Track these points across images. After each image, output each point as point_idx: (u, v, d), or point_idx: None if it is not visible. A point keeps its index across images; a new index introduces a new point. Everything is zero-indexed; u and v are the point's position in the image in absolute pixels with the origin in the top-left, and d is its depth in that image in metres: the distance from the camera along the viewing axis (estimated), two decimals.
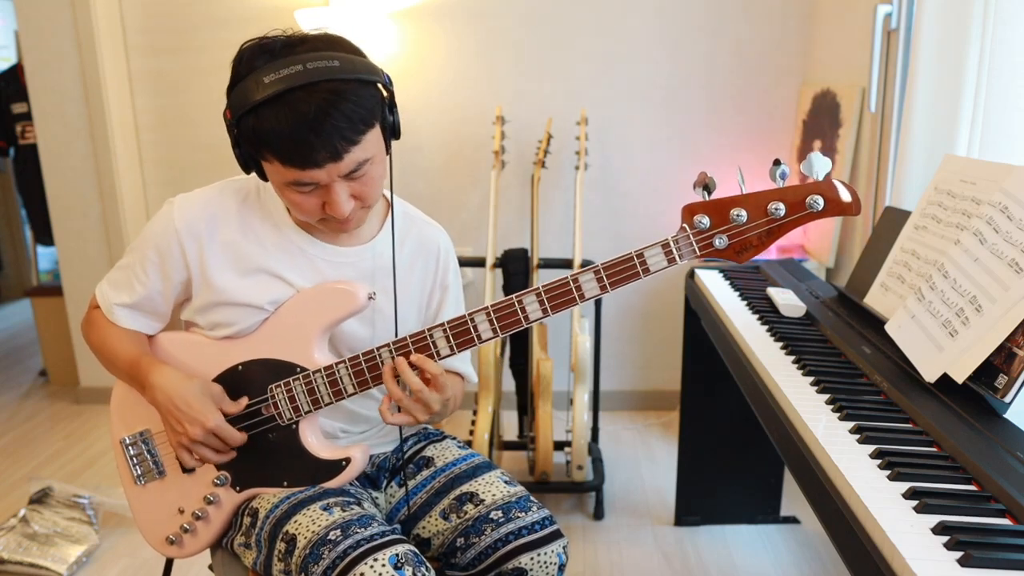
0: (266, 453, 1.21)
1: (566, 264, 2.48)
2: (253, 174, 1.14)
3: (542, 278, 2.47)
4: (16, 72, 3.56)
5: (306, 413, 1.18)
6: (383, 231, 1.25)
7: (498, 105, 2.76)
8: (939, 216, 1.39)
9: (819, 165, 1.03)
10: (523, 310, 1.09)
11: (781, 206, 1.04)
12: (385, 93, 1.08)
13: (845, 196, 1.03)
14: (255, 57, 1.03)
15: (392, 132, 1.11)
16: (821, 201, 1.03)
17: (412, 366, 1.12)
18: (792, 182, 1.04)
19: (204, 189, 1.21)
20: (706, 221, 1.06)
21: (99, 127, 2.89)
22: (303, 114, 0.99)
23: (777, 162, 1.05)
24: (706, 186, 1.06)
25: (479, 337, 1.11)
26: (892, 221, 1.58)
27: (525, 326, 1.10)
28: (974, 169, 1.36)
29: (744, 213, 1.05)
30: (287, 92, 0.99)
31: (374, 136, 1.06)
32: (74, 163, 2.96)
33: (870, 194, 2.25)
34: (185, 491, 1.24)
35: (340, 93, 1.00)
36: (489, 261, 2.43)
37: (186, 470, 1.24)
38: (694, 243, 1.06)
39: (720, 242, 1.06)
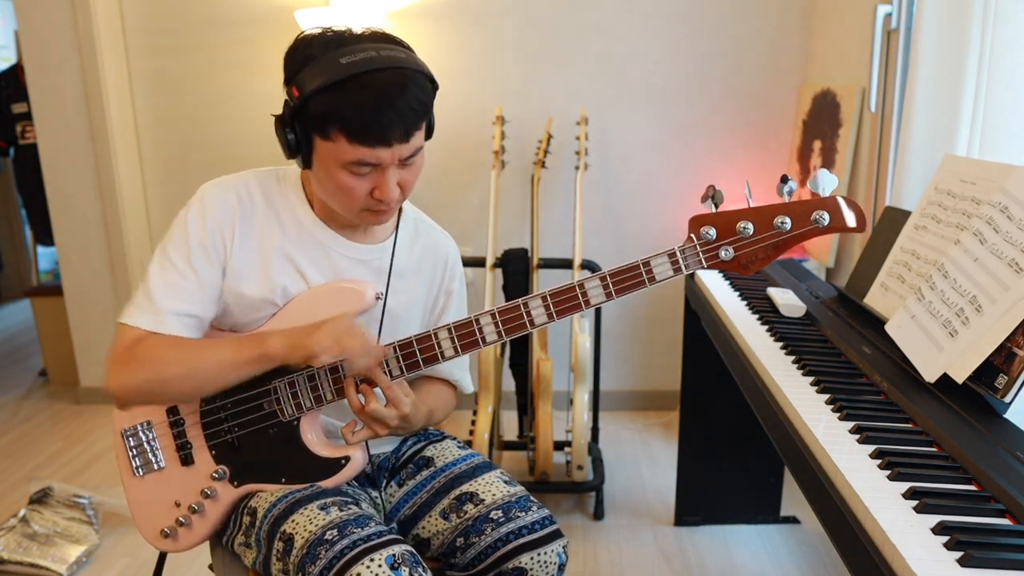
0: (266, 449, 1.21)
1: (566, 264, 2.47)
2: (272, 169, 1.19)
3: (542, 278, 2.47)
4: (16, 72, 3.57)
5: (308, 410, 1.18)
6: (395, 233, 1.27)
7: (498, 105, 2.76)
8: (939, 216, 1.39)
9: (826, 182, 1.05)
10: (528, 314, 1.11)
11: (787, 220, 1.06)
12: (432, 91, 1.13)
13: (851, 215, 1.06)
14: (326, 43, 1.06)
15: (429, 131, 1.16)
16: (827, 217, 1.05)
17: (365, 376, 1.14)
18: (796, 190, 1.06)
19: (229, 176, 1.22)
20: (712, 232, 1.07)
21: (99, 127, 2.89)
22: (381, 92, 1.03)
23: (785, 178, 1.07)
24: (713, 198, 1.08)
25: (483, 340, 1.12)
26: (892, 221, 1.58)
27: (530, 331, 1.12)
28: (974, 169, 1.36)
29: (751, 226, 1.06)
30: (364, 73, 1.03)
31: (425, 128, 1.13)
32: (74, 163, 2.96)
33: (870, 194, 2.25)
34: (183, 484, 1.24)
35: (411, 78, 1.06)
36: (489, 261, 2.43)
37: (185, 464, 1.24)
38: (700, 254, 1.08)
39: (726, 254, 1.08)
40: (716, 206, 1.08)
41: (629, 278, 1.09)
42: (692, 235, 1.09)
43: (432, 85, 1.11)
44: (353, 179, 1.10)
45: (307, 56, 1.06)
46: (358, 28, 1.11)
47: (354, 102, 1.03)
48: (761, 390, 1.33)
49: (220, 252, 1.17)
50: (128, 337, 1.13)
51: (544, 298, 1.10)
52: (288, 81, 1.08)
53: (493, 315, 1.11)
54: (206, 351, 1.14)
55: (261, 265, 1.18)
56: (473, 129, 2.86)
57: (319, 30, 1.09)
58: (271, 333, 1.12)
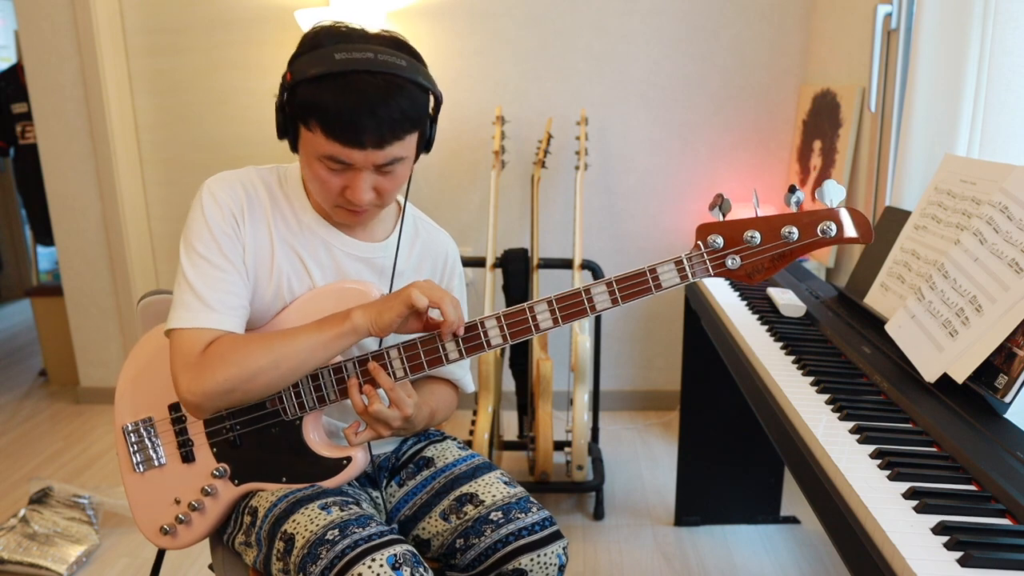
0: (267, 447, 1.21)
1: (566, 264, 2.48)
2: (274, 166, 1.20)
3: (542, 278, 2.47)
4: (16, 72, 3.57)
5: (311, 409, 1.18)
6: (395, 232, 1.27)
7: (498, 105, 2.76)
8: (939, 216, 1.39)
9: (833, 193, 1.06)
10: (534, 318, 1.11)
11: (795, 230, 1.06)
12: (433, 106, 1.13)
13: (858, 227, 1.06)
14: (332, 35, 1.07)
15: (427, 145, 1.15)
16: (834, 228, 1.05)
17: (369, 377, 1.14)
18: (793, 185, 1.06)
19: (231, 171, 1.22)
20: (720, 241, 1.08)
21: (99, 127, 2.89)
22: (364, 95, 1.03)
23: (793, 188, 1.07)
24: (721, 207, 1.08)
25: (488, 343, 1.13)
26: (892, 221, 1.58)
27: (535, 335, 1.12)
28: (974, 169, 1.36)
29: (758, 235, 1.07)
30: (354, 72, 1.03)
31: (413, 140, 1.11)
32: (74, 163, 2.96)
33: (870, 194, 2.25)
34: (183, 481, 1.24)
35: (401, 88, 1.05)
36: (489, 261, 2.43)
37: (186, 461, 1.24)
38: (707, 262, 1.09)
39: (732, 263, 1.08)
40: (723, 215, 1.08)
41: (635, 285, 1.09)
42: (699, 243, 1.09)
43: (433, 99, 1.11)
44: (327, 173, 1.10)
45: (314, 45, 1.08)
46: (373, 29, 1.11)
47: (335, 99, 1.03)
48: (761, 390, 1.33)
49: (241, 238, 1.17)
50: (193, 341, 1.11)
51: (550, 303, 1.10)
52: (290, 64, 1.10)
53: (499, 318, 1.11)
54: (286, 337, 1.11)
55: (270, 257, 1.19)
56: (473, 129, 2.86)
57: (334, 22, 1.10)
58: (349, 309, 1.12)
